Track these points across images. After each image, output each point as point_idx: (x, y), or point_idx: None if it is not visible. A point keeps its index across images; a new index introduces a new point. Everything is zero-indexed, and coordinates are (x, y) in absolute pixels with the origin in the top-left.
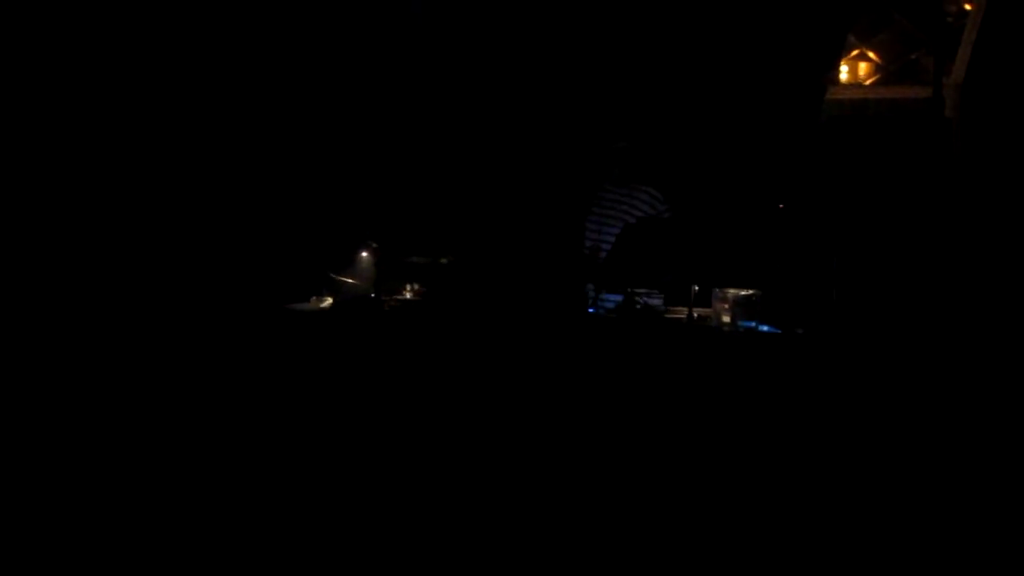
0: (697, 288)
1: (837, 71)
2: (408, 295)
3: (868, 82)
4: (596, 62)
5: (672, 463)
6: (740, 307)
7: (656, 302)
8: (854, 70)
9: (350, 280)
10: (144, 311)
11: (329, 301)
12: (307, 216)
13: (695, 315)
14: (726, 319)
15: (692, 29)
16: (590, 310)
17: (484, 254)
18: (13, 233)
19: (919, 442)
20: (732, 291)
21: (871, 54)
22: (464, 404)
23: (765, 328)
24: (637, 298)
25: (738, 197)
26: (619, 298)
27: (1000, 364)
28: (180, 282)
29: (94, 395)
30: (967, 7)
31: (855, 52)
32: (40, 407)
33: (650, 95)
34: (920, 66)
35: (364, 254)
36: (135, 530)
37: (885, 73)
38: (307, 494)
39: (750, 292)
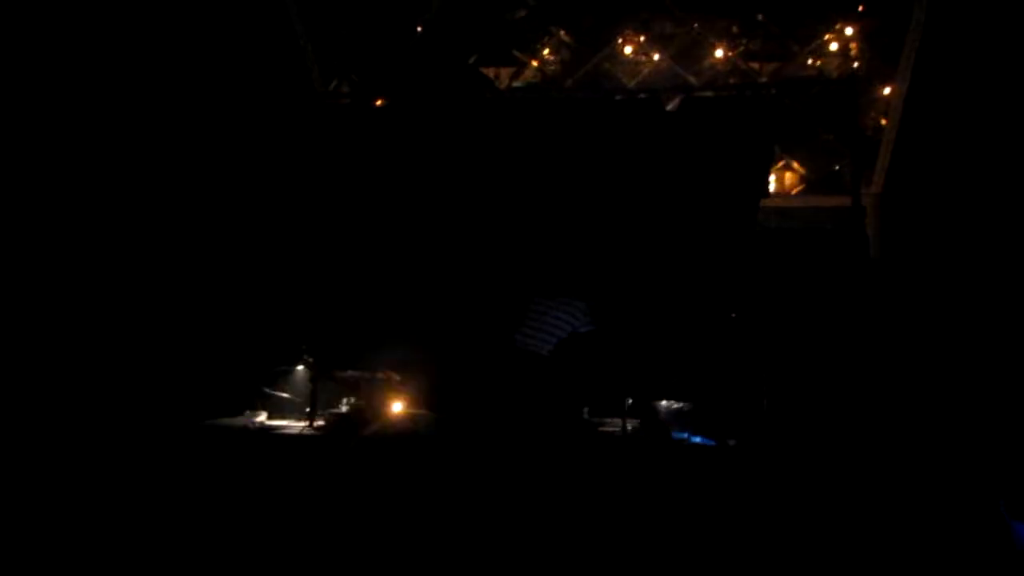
0: (631, 401)
1: (766, 181)
2: (344, 409)
3: (794, 191)
4: (533, 186)
5: None
6: (672, 419)
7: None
8: (781, 180)
9: (284, 395)
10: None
11: (263, 416)
12: (240, 330)
13: (628, 427)
14: None
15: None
16: None
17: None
18: None
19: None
20: (664, 403)
21: (796, 165)
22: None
23: (697, 439)
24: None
25: (670, 309)
26: None
27: (933, 469)
28: (113, 397)
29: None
30: (883, 122)
31: (781, 163)
32: None
33: (586, 214)
34: (843, 176)
35: (299, 368)
36: None
37: (809, 183)
38: None
39: (681, 404)
